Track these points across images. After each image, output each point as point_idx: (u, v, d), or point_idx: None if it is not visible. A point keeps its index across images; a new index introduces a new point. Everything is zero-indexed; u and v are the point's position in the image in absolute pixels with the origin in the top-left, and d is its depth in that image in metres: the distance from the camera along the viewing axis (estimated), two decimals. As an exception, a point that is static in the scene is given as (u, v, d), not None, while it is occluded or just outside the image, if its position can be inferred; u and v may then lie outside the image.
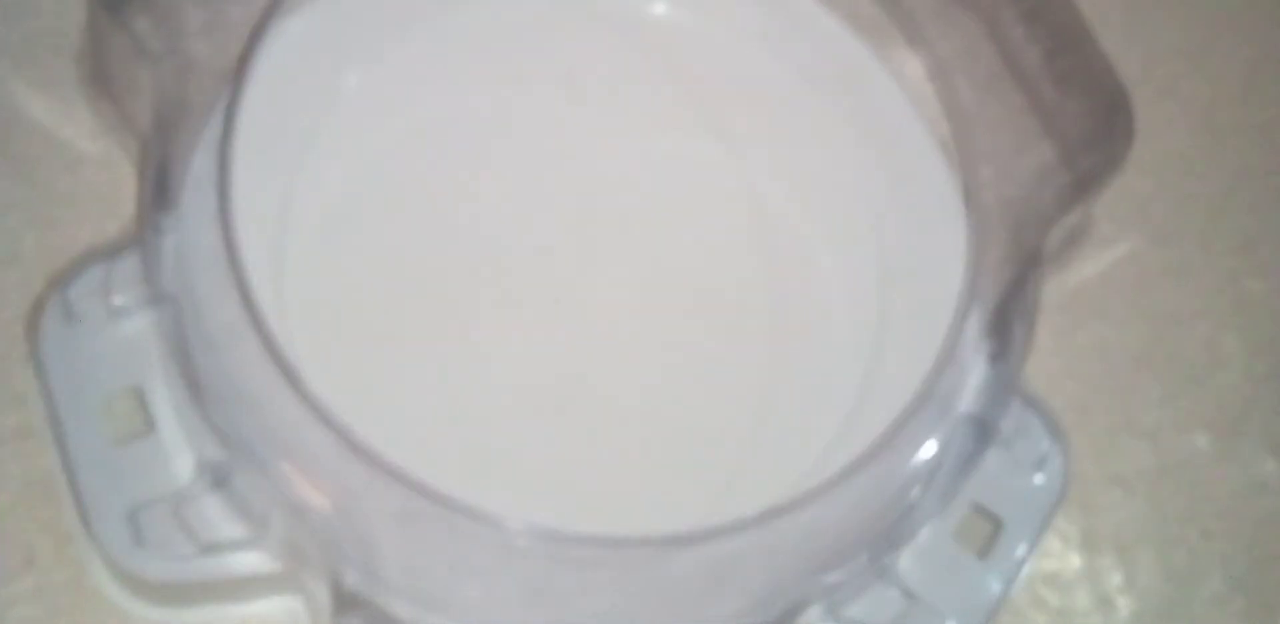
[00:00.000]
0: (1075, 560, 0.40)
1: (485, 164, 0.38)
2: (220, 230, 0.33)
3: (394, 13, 0.39)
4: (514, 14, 0.39)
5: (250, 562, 0.34)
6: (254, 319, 0.32)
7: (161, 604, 0.36)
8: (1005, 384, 0.36)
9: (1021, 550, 0.36)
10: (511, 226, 0.38)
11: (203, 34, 0.36)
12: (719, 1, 0.40)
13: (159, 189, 0.34)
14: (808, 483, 0.34)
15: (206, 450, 0.34)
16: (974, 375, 0.36)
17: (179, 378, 0.33)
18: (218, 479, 0.34)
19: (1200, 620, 0.40)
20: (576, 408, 0.37)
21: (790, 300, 0.38)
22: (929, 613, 0.35)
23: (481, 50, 0.39)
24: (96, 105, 0.38)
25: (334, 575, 0.33)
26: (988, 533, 0.37)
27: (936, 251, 0.38)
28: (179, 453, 0.34)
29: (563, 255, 0.38)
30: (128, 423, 0.35)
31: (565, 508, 0.34)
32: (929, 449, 0.35)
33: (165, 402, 0.35)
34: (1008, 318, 0.36)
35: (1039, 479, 0.37)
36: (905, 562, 0.36)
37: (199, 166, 0.35)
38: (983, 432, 0.35)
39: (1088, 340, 0.42)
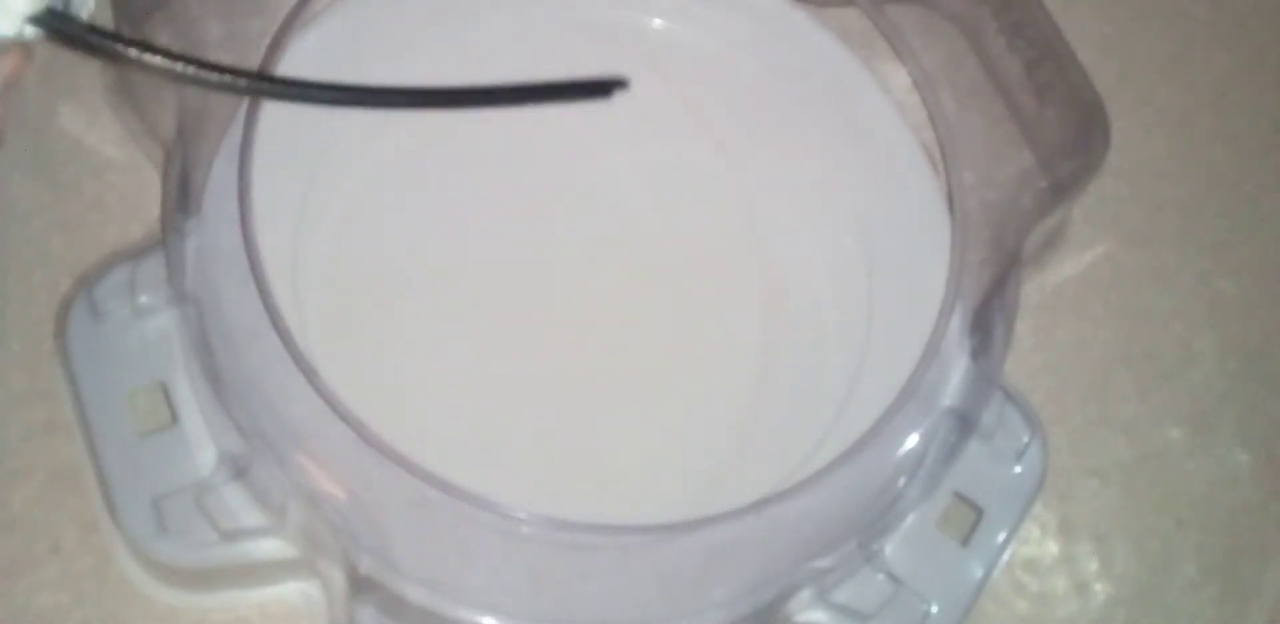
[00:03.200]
0: (1053, 547, 0.40)
1: (491, 169, 0.39)
2: (240, 233, 0.33)
3: (405, 25, 0.39)
4: (519, 27, 0.40)
5: (269, 548, 0.35)
6: (272, 318, 0.33)
7: (183, 589, 0.36)
8: (987, 379, 0.36)
9: (1002, 538, 0.37)
10: (516, 229, 0.38)
11: (223, 46, 0.36)
12: (714, 16, 0.40)
13: (182, 194, 0.35)
14: (799, 473, 0.35)
15: (227, 443, 0.35)
16: (957, 371, 0.37)
17: (201, 374, 0.34)
18: (238, 470, 0.34)
19: (1174, 606, 0.40)
20: (578, 402, 0.37)
21: (782, 300, 0.39)
22: (913, 597, 0.36)
23: (488, 62, 0.39)
24: (122, 114, 0.39)
25: (349, 561, 0.33)
26: (970, 521, 0.37)
27: (921, 253, 0.38)
28: (201, 445, 0.35)
29: (564, 255, 0.38)
30: (152, 416, 0.36)
31: (568, 497, 0.35)
32: (914, 441, 0.36)
33: (187, 396, 0.35)
34: (989, 316, 0.37)
35: (1019, 470, 0.38)
36: (891, 548, 0.36)
37: (220, 172, 0.35)
38: (965, 424, 0.36)
39: (1066, 338, 0.42)
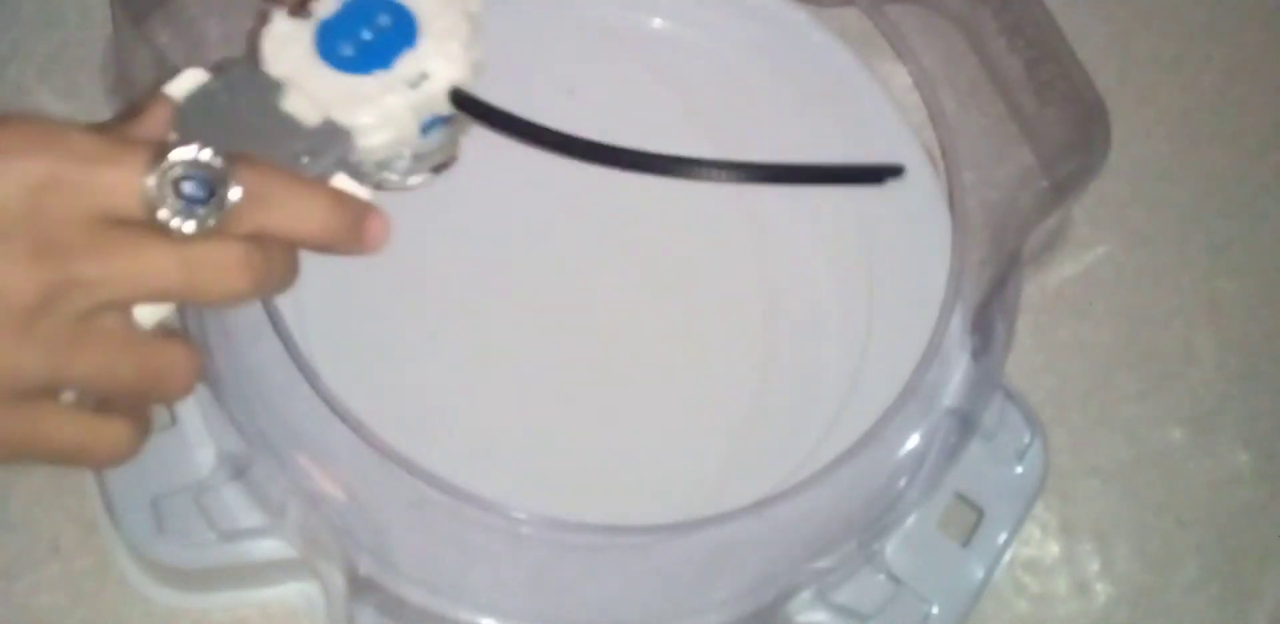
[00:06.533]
0: (1054, 548, 0.40)
1: (490, 168, 0.38)
2: (240, 233, 0.33)
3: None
4: (518, 27, 0.39)
5: (268, 549, 0.35)
6: (273, 317, 0.33)
7: (182, 590, 0.36)
8: (987, 379, 0.36)
9: (1003, 538, 0.37)
10: (516, 228, 0.38)
11: (222, 45, 0.36)
12: (715, 15, 0.40)
13: (181, 194, 0.35)
14: (800, 474, 0.35)
15: (226, 443, 0.35)
16: (958, 371, 0.37)
17: (200, 374, 0.33)
18: (237, 470, 0.34)
19: (1175, 606, 0.40)
20: (579, 402, 0.37)
21: (783, 299, 0.39)
22: (914, 598, 0.36)
23: (487, 60, 0.39)
24: (122, 115, 0.39)
25: (348, 562, 0.33)
26: (970, 521, 0.37)
27: (922, 253, 0.38)
28: (200, 445, 0.35)
29: (564, 255, 0.38)
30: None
31: (569, 497, 0.35)
32: (914, 441, 0.36)
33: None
34: (990, 316, 0.37)
35: (1019, 470, 0.38)
36: (891, 549, 0.37)
37: (219, 172, 0.35)
38: (966, 425, 0.36)
39: (1067, 338, 0.42)
